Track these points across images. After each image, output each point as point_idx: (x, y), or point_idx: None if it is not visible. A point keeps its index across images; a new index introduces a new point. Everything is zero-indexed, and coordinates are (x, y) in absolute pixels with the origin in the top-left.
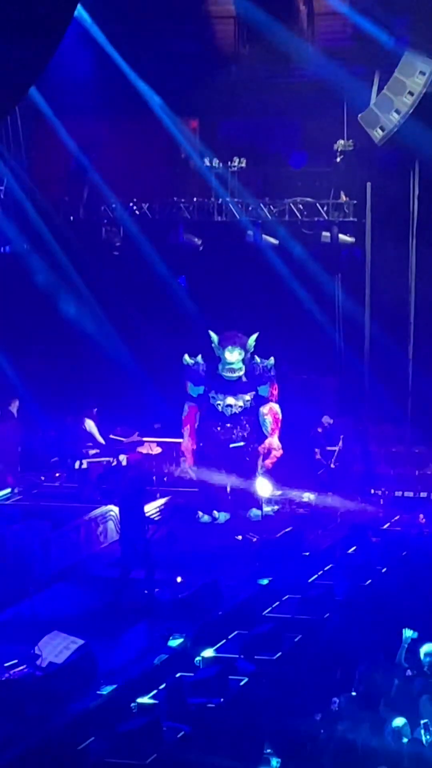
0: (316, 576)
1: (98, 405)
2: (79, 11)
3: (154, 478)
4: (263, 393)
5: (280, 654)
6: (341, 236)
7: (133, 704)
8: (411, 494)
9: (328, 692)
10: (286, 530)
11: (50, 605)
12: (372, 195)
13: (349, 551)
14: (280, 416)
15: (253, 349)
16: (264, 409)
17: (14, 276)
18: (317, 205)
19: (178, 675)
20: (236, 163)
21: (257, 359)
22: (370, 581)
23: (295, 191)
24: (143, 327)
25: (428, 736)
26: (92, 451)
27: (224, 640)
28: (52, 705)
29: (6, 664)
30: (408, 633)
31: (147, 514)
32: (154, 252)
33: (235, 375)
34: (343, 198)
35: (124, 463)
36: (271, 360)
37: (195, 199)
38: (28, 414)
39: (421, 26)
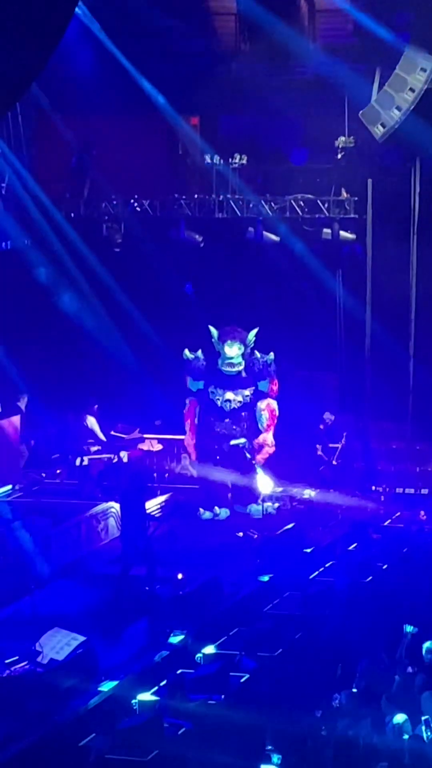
0: (316, 573)
1: (99, 402)
2: (81, 8)
3: (155, 474)
4: (263, 388)
5: (280, 650)
6: (342, 233)
7: (134, 701)
8: (412, 491)
9: (329, 689)
10: (287, 527)
11: (51, 602)
12: (373, 192)
13: (350, 548)
14: (277, 413)
15: (252, 344)
16: (261, 405)
17: (15, 272)
18: (318, 201)
19: (179, 671)
20: (237, 160)
21: (257, 354)
22: (370, 578)
23: (296, 188)
24: (144, 323)
25: (429, 733)
26: (93, 448)
27: (225, 637)
28: (53, 701)
29: (7, 661)
30: (409, 629)
31: (148, 511)
32: (155, 249)
33: (234, 370)
34: (344, 195)
35: (125, 459)
36: (271, 355)
37: (196, 196)
38: (29, 411)
39: (422, 23)
